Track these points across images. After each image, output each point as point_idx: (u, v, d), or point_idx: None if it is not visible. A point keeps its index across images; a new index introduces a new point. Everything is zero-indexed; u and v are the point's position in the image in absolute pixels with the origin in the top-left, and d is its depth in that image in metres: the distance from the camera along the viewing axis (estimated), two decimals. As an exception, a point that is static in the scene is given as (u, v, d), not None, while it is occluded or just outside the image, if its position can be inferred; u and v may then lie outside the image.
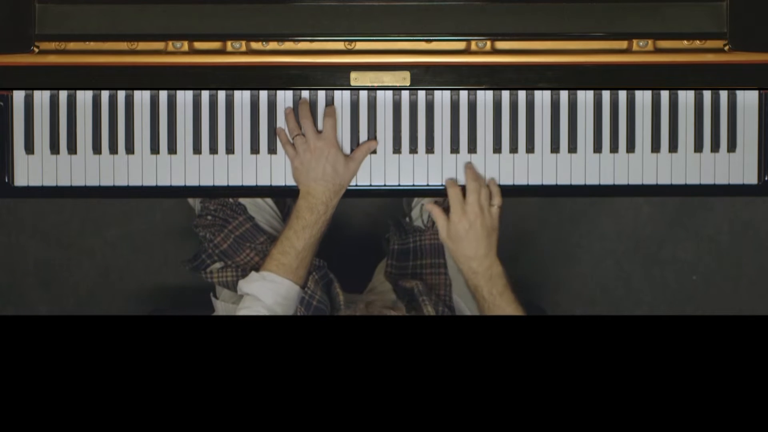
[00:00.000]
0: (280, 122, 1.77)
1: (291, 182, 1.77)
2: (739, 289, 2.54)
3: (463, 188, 1.74)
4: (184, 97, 1.76)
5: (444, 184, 1.76)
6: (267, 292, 1.70)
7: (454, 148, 1.76)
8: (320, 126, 1.75)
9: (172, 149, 1.76)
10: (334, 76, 1.72)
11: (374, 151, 1.77)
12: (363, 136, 1.77)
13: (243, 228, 1.88)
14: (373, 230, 1.88)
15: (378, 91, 1.76)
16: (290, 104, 1.76)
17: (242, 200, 1.92)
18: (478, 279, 1.71)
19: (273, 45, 1.72)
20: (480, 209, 1.70)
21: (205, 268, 1.88)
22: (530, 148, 1.77)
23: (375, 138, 1.76)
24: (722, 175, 1.77)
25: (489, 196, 1.73)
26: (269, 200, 1.99)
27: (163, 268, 2.51)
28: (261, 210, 1.96)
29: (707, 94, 1.77)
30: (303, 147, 1.72)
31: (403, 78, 1.72)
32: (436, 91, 1.76)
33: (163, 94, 1.76)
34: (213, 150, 1.76)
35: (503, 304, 1.71)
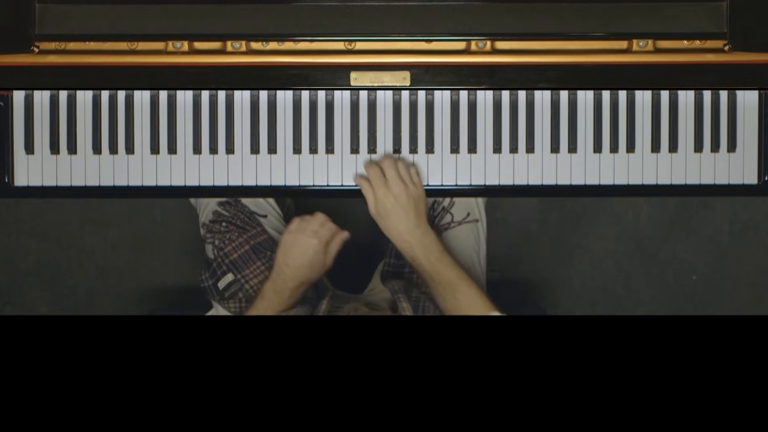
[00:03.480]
0: (280, 122, 1.76)
1: (291, 182, 1.77)
2: (739, 289, 2.54)
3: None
4: (184, 97, 1.76)
5: (443, 183, 1.76)
6: None
7: (454, 148, 1.76)
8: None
9: (172, 149, 1.76)
10: (334, 76, 1.72)
11: (374, 151, 1.77)
12: (363, 136, 1.77)
13: (260, 238, 1.88)
14: (374, 231, 1.88)
15: (378, 91, 1.76)
16: (290, 104, 1.76)
17: (244, 200, 1.92)
18: (414, 250, 1.71)
19: (273, 45, 1.72)
20: (402, 181, 1.71)
21: (216, 281, 1.88)
22: (530, 148, 1.77)
23: (375, 137, 1.76)
24: (722, 175, 1.77)
25: (406, 167, 1.73)
26: (271, 200, 1.99)
27: (163, 268, 2.51)
28: (262, 210, 1.96)
29: (707, 94, 1.77)
30: (298, 228, 1.73)
31: (403, 78, 1.72)
32: (436, 91, 1.76)
33: (163, 94, 1.76)
34: (213, 150, 1.76)
35: (443, 268, 1.71)
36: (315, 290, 1.85)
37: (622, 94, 1.77)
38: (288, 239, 1.73)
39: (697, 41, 1.71)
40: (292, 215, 2.31)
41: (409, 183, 1.71)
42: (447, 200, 1.92)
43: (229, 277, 1.87)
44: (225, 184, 1.77)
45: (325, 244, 1.73)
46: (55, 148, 1.75)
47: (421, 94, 1.77)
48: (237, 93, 1.76)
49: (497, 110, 1.77)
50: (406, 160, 1.75)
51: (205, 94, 1.76)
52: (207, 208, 1.95)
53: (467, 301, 1.70)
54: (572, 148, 1.77)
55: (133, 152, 1.76)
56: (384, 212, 1.71)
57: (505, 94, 1.77)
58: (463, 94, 1.77)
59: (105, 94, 1.75)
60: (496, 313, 1.70)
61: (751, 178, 1.77)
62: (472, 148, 1.77)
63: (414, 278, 1.87)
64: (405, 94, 1.77)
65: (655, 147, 1.76)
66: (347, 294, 1.93)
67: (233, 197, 1.91)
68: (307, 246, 1.72)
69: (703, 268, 2.53)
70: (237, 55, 1.71)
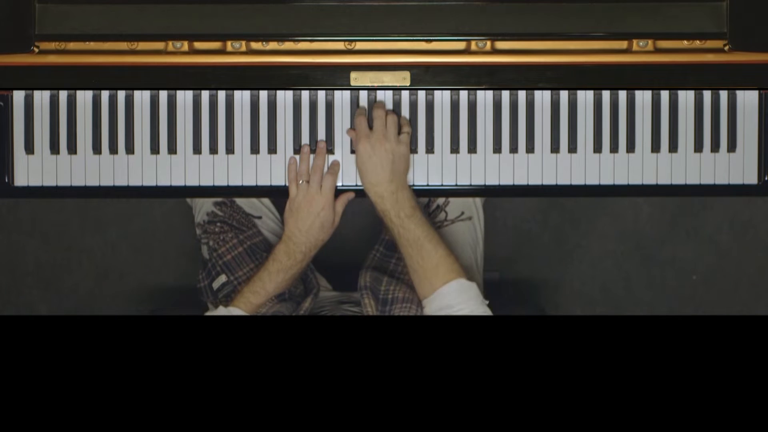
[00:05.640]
0: (280, 123, 1.77)
1: (291, 182, 1.77)
2: (739, 289, 2.54)
3: None
4: (184, 97, 1.76)
5: (443, 183, 1.76)
6: None
7: (454, 148, 1.77)
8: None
9: (172, 149, 1.76)
10: (334, 76, 1.72)
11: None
12: (363, 136, 1.77)
13: (255, 239, 1.88)
14: (372, 230, 1.89)
15: (378, 91, 1.76)
16: (290, 104, 1.76)
17: (239, 201, 1.92)
18: (385, 203, 1.71)
19: (273, 45, 1.72)
20: (383, 136, 1.71)
21: (210, 282, 1.88)
22: (530, 148, 1.77)
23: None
24: (722, 175, 1.77)
25: (397, 124, 1.73)
26: (266, 201, 1.99)
27: (163, 268, 2.51)
28: (257, 211, 1.96)
29: (707, 94, 1.77)
30: (303, 193, 1.74)
31: (403, 78, 1.72)
32: (436, 91, 1.76)
33: (163, 94, 1.76)
34: (213, 150, 1.76)
35: (412, 225, 1.70)
36: (303, 286, 1.84)
37: (622, 94, 1.77)
38: (294, 204, 1.74)
39: (697, 41, 1.71)
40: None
41: (393, 138, 1.71)
42: (442, 198, 1.92)
43: (222, 278, 1.87)
44: (225, 184, 1.77)
45: (331, 202, 1.74)
46: (55, 148, 1.75)
47: (421, 94, 1.77)
48: (237, 93, 1.76)
49: (497, 110, 1.77)
50: (401, 118, 1.75)
51: (205, 94, 1.76)
52: (202, 208, 1.95)
53: (432, 261, 1.69)
54: (572, 148, 1.77)
55: (133, 152, 1.76)
56: (361, 163, 1.72)
57: (505, 94, 1.77)
58: (463, 94, 1.77)
59: (105, 94, 1.75)
60: (462, 279, 1.69)
61: (751, 178, 1.77)
62: (472, 148, 1.77)
63: (399, 269, 1.86)
64: (405, 94, 1.77)
65: (655, 147, 1.76)
66: (340, 293, 1.93)
67: (233, 197, 1.91)
68: (316, 207, 1.73)
69: (703, 268, 2.53)
70: (237, 55, 1.71)
